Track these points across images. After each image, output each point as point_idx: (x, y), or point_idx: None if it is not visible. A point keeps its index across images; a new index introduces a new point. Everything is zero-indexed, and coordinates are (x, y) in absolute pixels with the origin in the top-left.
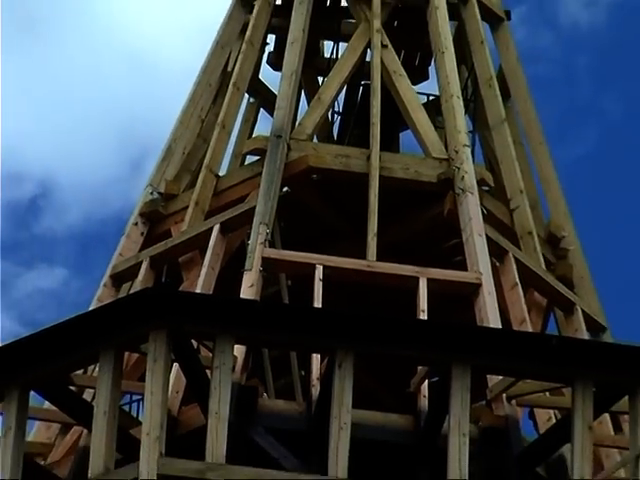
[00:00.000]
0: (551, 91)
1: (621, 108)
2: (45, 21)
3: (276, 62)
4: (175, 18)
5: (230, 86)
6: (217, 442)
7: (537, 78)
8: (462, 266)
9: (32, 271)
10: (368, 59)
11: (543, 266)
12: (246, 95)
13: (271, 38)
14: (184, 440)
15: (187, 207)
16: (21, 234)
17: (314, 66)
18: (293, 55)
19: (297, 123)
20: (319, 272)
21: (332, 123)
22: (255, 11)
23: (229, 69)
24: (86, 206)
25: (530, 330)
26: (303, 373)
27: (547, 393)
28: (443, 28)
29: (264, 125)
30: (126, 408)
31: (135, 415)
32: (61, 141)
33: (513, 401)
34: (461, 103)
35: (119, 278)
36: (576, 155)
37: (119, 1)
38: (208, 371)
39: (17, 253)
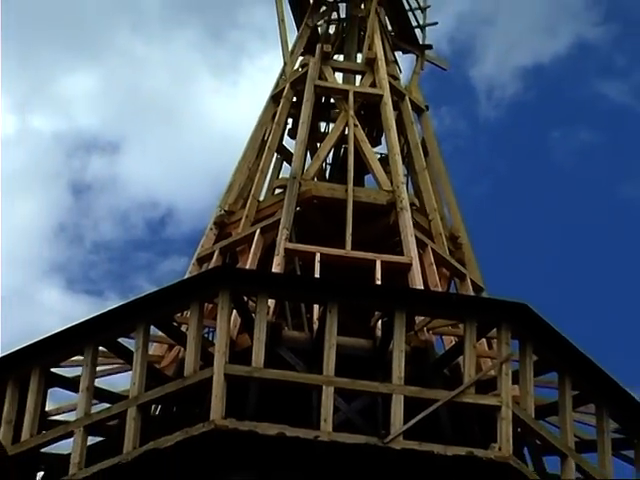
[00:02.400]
0: (463, 155)
1: (506, 167)
2: (174, 113)
3: (293, 134)
4: (246, 113)
5: (266, 149)
6: (258, 355)
7: (456, 147)
8: (401, 253)
9: (167, 260)
10: (346, 133)
11: (447, 253)
12: (275, 154)
13: (290, 120)
14: (239, 354)
15: (241, 219)
16: (156, 237)
17: (315, 137)
18: (303, 131)
19: (305, 170)
20: (317, 257)
21: (325, 170)
22: (280, 105)
23: (265, 139)
24: (193, 222)
25: (440, 290)
26: (308, 316)
27: (450, 327)
28: (389, 115)
29: (286, 171)
30: (206, 336)
31: (210, 339)
32: (181, 184)
33: (430, 332)
34: (400, 159)
35: (201, 260)
36: (477, 195)
37: (217, 104)
38: (253, 314)
39: (155, 248)
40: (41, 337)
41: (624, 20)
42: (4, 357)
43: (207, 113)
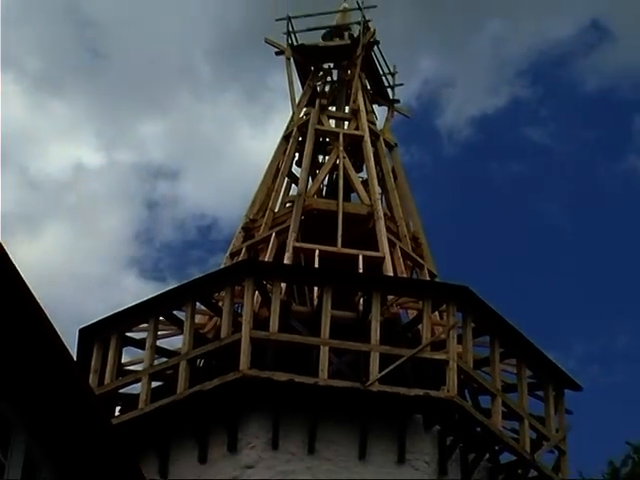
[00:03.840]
0: (429, 180)
1: (459, 189)
2: (219, 152)
3: (299, 164)
4: (271, 152)
5: (279, 175)
6: (274, 323)
7: (423, 175)
8: (377, 249)
9: (214, 256)
10: (337, 163)
11: (411, 250)
12: (286, 178)
13: (296, 154)
14: (260, 323)
15: (261, 225)
16: (205, 239)
17: (315, 166)
18: (306, 162)
19: (307, 189)
20: (317, 253)
21: (322, 189)
22: (290, 143)
23: (279, 167)
24: (231, 228)
25: (405, 277)
26: (310, 295)
27: (412, 303)
28: (369, 150)
29: (293, 191)
30: (236, 309)
31: (239, 312)
32: (223, 201)
33: (398, 306)
34: (376, 182)
35: (232, 255)
36: (438, 208)
37: (251, 146)
38: (270, 294)
39: (204, 247)
40: (118, 310)
41: (546, 84)
42: (92, 325)
43: (243, 153)
